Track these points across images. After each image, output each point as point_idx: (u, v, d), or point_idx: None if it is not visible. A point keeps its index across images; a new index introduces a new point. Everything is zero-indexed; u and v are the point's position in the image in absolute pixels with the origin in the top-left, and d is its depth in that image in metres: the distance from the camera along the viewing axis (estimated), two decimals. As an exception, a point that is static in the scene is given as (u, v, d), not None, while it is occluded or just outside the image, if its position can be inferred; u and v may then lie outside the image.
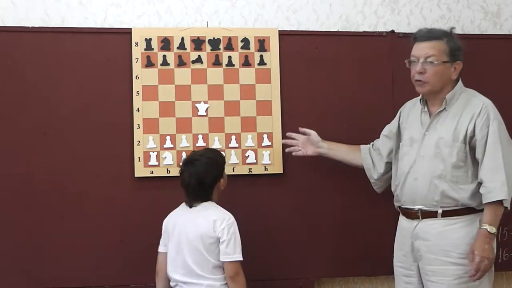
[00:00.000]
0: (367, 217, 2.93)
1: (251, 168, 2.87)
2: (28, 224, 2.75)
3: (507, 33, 3.20)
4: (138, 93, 2.82)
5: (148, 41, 2.84)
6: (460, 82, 2.50)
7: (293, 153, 2.81)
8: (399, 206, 2.56)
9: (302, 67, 2.94)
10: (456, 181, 2.39)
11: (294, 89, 2.93)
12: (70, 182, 2.77)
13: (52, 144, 2.77)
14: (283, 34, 2.94)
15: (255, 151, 2.88)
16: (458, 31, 3.12)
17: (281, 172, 2.89)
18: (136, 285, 2.81)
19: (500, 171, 2.32)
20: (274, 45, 2.92)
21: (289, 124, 2.91)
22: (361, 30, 3.07)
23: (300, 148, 2.79)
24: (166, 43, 2.86)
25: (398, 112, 2.69)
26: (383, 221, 2.86)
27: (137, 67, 2.83)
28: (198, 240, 2.41)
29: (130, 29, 2.85)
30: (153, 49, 2.85)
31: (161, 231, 2.55)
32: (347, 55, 2.98)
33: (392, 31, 3.03)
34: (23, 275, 2.74)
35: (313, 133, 2.79)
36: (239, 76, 2.90)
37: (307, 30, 3.03)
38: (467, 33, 3.15)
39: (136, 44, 2.83)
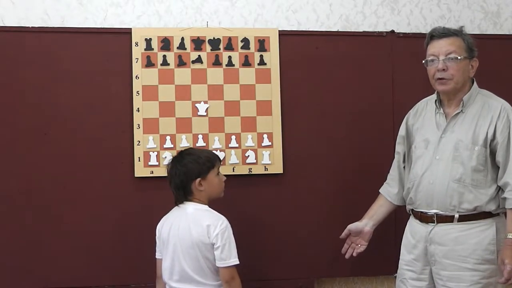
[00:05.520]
0: (367, 217, 2.93)
1: (251, 168, 2.87)
2: (28, 224, 2.75)
3: (507, 33, 3.20)
4: (138, 93, 2.82)
5: (148, 41, 2.84)
6: (475, 83, 2.45)
7: (356, 252, 2.69)
8: (412, 209, 2.51)
9: (302, 67, 2.94)
10: (476, 185, 2.33)
11: (294, 89, 2.93)
12: (70, 182, 2.77)
13: (52, 144, 2.77)
14: (283, 34, 2.94)
15: (255, 151, 2.88)
16: (458, 31, 3.14)
17: (281, 172, 2.89)
18: (136, 285, 2.82)
19: None
20: (274, 45, 2.92)
21: (289, 124, 2.91)
22: (361, 30, 3.07)
23: (358, 245, 2.68)
24: (166, 43, 2.86)
25: (406, 116, 2.63)
26: (383, 221, 2.86)
27: (137, 67, 2.83)
28: (194, 246, 2.39)
29: (130, 29, 2.85)
30: (153, 49, 2.85)
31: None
32: (347, 55, 2.98)
33: (392, 31, 3.03)
34: (23, 275, 2.74)
35: (353, 228, 2.67)
36: (239, 76, 2.90)
37: (307, 30, 3.03)
38: (467, 33, 3.15)
39: (136, 44, 2.84)
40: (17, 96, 2.76)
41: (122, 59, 2.83)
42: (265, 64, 2.91)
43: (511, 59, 3.08)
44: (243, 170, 2.87)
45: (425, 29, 3.12)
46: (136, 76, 2.83)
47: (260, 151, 2.89)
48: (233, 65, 2.90)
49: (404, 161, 2.60)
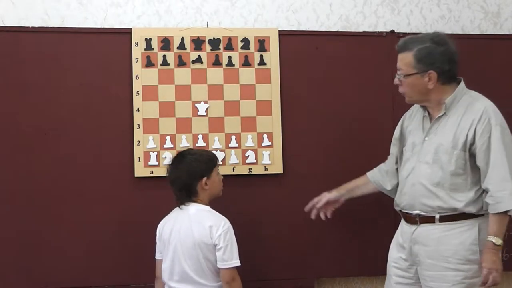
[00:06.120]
0: (367, 217, 2.93)
1: (251, 168, 2.87)
2: (28, 224, 2.75)
3: (507, 33, 3.20)
4: (138, 93, 2.82)
5: (148, 41, 2.84)
6: (461, 85, 2.42)
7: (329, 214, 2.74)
8: (400, 210, 2.53)
9: (302, 67, 2.94)
10: (455, 189, 2.33)
11: (294, 89, 2.93)
12: (70, 182, 2.77)
13: (52, 144, 2.77)
14: (283, 34, 2.94)
15: (255, 151, 2.88)
16: (458, 31, 3.15)
17: (281, 172, 2.89)
18: (136, 285, 2.82)
19: (507, 179, 2.24)
20: (274, 45, 2.92)
21: (289, 124, 2.91)
22: (361, 30, 3.07)
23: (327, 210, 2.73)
24: (166, 43, 2.86)
25: (402, 118, 2.64)
26: (383, 221, 2.86)
27: (137, 67, 2.83)
28: (195, 247, 2.39)
29: (130, 29, 2.85)
30: (153, 49, 2.85)
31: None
32: (347, 55, 2.98)
33: (392, 31, 3.03)
34: (23, 275, 2.74)
35: (332, 198, 2.71)
36: (239, 76, 2.90)
37: (307, 30, 3.03)
38: (467, 33, 3.15)
39: (136, 44, 2.83)
40: (17, 96, 2.76)
41: (122, 59, 2.83)
42: (265, 64, 2.91)
43: (511, 59, 3.08)
44: (243, 170, 2.87)
45: (425, 29, 3.13)
46: (136, 76, 2.83)
47: (260, 151, 2.89)
48: (233, 65, 2.90)
49: (396, 163, 2.61)
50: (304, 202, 2.89)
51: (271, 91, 2.91)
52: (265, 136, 2.89)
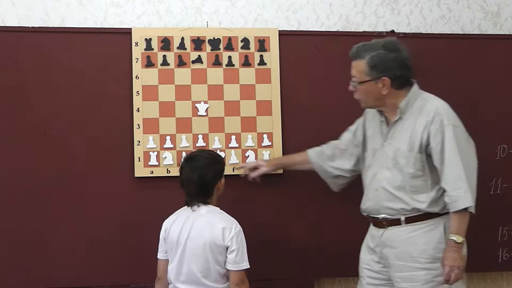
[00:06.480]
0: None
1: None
2: (28, 224, 2.75)
3: (507, 33, 3.20)
4: (138, 93, 2.82)
5: (148, 41, 2.84)
6: (414, 87, 2.45)
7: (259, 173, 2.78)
8: (367, 215, 2.57)
9: (302, 67, 2.94)
10: (416, 191, 2.38)
11: (294, 89, 2.92)
12: (70, 182, 2.77)
13: (52, 144, 2.77)
14: (283, 34, 2.94)
15: (255, 151, 2.88)
16: (458, 31, 3.15)
17: (281, 172, 2.89)
18: (136, 285, 2.82)
19: (462, 178, 2.29)
20: (274, 45, 2.92)
21: (289, 124, 2.91)
22: (361, 30, 3.07)
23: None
24: (166, 43, 2.86)
25: (364, 116, 2.66)
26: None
27: (137, 67, 2.83)
28: (205, 248, 2.35)
29: (130, 29, 2.85)
30: (153, 49, 2.85)
31: (160, 231, 2.52)
32: (347, 55, 2.96)
33: (392, 31, 3.03)
34: (23, 275, 2.74)
35: (261, 169, 2.77)
36: (239, 76, 2.90)
37: (307, 30, 3.03)
38: (467, 33, 3.16)
39: (136, 44, 2.83)
40: (17, 96, 2.76)
41: (122, 59, 2.83)
42: (265, 64, 2.91)
43: (511, 59, 3.08)
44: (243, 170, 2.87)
45: (425, 29, 3.13)
46: (136, 76, 2.83)
47: (260, 151, 2.89)
48: (233, 65, 2.90)
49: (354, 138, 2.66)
50: (304, 202, 2.90)
51: (271, 91, 2.91)
52: (265, 136, 2.89)
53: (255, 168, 2.77)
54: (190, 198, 2.43)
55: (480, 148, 3.04)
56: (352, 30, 3.06)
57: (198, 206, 2.42)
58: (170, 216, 2.49)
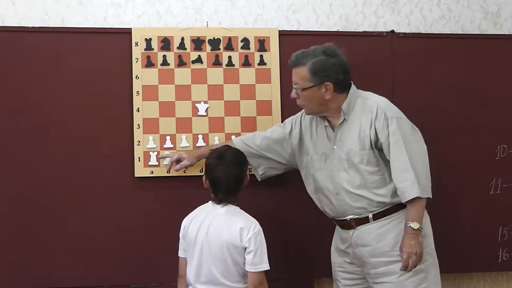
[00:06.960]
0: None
1: (251, 168, 2.87)
2: (28, 224, 2.75)
3: (507, 33, 3.20)
4: (138, 93, 2.82)
5: (148, 41, 2.84)
6: (352, 88, 2.49)
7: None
8: (333, 219, 2.59)
9: (302, 67, 2.94)
10: (376, 186, 2.43)
11: (294, 89, 2.92)
12: (70, 182, 2.77)
13: (53, 144, 2.76)
14: (283, 34, 2.94)
15: (255, 151, 2.88)
16: (458, 31, 3.15)
17: (279, 173, 2.88)
18: (136, 285, 2.81)
19: (408, 169, 2.35)
20: (274, 45, 2.92)
21: (289, 124, 2.91)
22: (361, 30, 3.07)
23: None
24: (166, 43, 2.86)
25: (300, 116, 2.66)
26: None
27: (137, 67, 2.83)
28: (223, 249, 2.31)
29: (130, 29, 2.85)
30: (153, 49, 2.85)
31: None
32: (347, 55, 2.96)
33: (392, 31, 3.03)
34: (23, 275, 2.74)
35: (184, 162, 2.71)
36: (239, 76, 2.90)
37: (307, 30, 3.03)
38: (467, 33, 3.16)
39: (136, 44, 2.83)
40: (17, 96, 2.76)
41: (122, 59, 2.83)
42: (265, 64, 2.91)
43: (511, 59, 3.08)
44: (243, 170, 2.87)
45: (425, 29, 3.13)
46: (136, 76, 2.83)
47: (260, 151, 2.88)
48: (233, 65, 2.90)
49: (290, 138, 2.65)
50: (304, 202, 2.89)
51: (271, 91, 2.91)
52: (265, 136, 2.89)
53: (178, 161, 2.72)
54: (222, 196, 2.39)
55: (480, 148, 3.05)
56: (352, 30, 3.06)
57: (221, 205, 2.38)
58: (189, 214, 2.46)
